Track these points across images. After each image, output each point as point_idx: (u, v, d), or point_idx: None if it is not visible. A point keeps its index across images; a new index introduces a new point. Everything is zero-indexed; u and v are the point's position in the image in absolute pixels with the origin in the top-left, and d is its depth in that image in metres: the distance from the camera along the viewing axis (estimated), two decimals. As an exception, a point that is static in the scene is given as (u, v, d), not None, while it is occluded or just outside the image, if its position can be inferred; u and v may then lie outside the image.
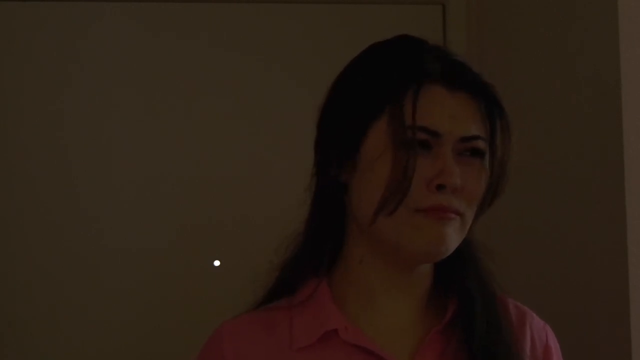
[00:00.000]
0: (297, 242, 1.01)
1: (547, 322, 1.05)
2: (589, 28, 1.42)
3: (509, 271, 1.75)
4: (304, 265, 0.99)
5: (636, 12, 1.30)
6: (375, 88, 0.92)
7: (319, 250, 0.99)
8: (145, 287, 1.96)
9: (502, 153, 0.93)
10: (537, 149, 1.64)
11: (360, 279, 0.97)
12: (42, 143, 1.99)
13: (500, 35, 1.90)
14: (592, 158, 1.40)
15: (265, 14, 2.06)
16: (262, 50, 2.05)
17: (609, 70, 1.32)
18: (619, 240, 1.29)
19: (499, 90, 0.95)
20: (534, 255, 1.64)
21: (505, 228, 1.71)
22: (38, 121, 1.99)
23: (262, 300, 1.02)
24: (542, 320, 1.04)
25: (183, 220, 1.98)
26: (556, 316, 1.47)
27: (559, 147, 1.54)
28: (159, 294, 1.95)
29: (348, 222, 0.98)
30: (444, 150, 0.89)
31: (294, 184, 1.03)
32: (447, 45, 2.04)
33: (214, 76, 2.04)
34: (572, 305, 1.45)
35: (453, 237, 0.90)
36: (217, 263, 1.97)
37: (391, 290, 0.96)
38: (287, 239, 1.02)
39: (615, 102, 1.30)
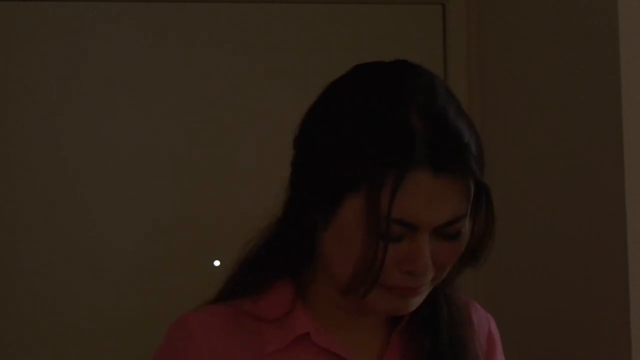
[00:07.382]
0: (264, 242, 1.00)
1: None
2: (589, 28, 1.42)
3: (509, 271, 1.75)
4: (272, 267, 0.97)
5: (636, 12, 1.30)
6: (356, 158, 0.82)
7: (289, 253, 0.97)
8: (145, 287, 1.96)
9: (482, 229, 0.88)
10: (537, 149, 1.64)
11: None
12: (43, 143, 1.99)
13: (500, 35, 1.90)
14: (592, 158, 1.40)
15: (265, 14, 2.06)
16: (263, 51, 2.05)
17: (609, 70, 1.32)
18: (619, 240, 1.29)
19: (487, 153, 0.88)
20: (534, 255, 1.64)
21: (505, 228, 1.71)
22: (39, 121, 1.99)
23: (222, 296, 1.00)
24: (484, 310, 1.04)
25: (183, 220, 1.98)
26: (556, 316, 1.47)
27: (559, 147, 1.54)
28: (158, 294, 1.95)
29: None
30: (420, 235, 0.84)
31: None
32: (447, 45, 2.06)
33: (215, 76, 2.04)
34: (573, 305, 1.45)
35: (419, 302, 0.89)
36: (217, 263, 1.97)
37: None
38: (253, 238, 1.00)
39: (615, 102, 1.30)
